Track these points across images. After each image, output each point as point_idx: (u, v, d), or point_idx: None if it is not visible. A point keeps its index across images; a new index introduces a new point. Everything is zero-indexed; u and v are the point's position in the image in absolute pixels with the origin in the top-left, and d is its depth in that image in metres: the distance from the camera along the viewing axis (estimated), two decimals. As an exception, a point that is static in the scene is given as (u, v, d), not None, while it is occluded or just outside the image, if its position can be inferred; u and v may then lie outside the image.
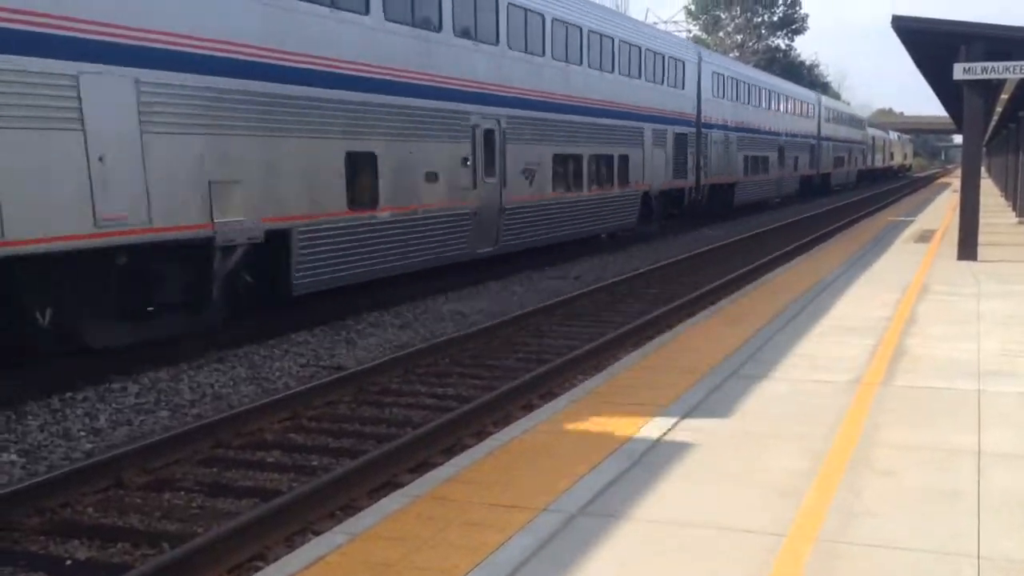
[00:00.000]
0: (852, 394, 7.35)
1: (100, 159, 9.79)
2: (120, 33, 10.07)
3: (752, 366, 8.37)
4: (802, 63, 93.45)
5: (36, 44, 9.21)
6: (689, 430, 6.42)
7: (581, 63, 22.05)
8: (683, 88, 30.28)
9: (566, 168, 21.64)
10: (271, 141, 12.32)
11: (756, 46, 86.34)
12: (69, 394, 9.78)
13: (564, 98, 21.08)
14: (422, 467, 7.37)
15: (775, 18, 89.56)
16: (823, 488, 5.27)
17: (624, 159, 24.88)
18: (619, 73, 24.51)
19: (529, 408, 8.85)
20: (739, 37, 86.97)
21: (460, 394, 10.01)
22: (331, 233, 13.47)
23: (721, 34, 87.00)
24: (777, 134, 42.68)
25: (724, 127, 34.65)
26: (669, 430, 6.42)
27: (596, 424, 6.62)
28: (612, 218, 24.66)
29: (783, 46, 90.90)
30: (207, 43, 11.22)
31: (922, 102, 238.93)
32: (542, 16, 19.70)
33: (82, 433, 8.73)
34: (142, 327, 11.27)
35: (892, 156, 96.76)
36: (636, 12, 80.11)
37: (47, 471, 7.51)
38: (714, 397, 7.31)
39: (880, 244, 19.79)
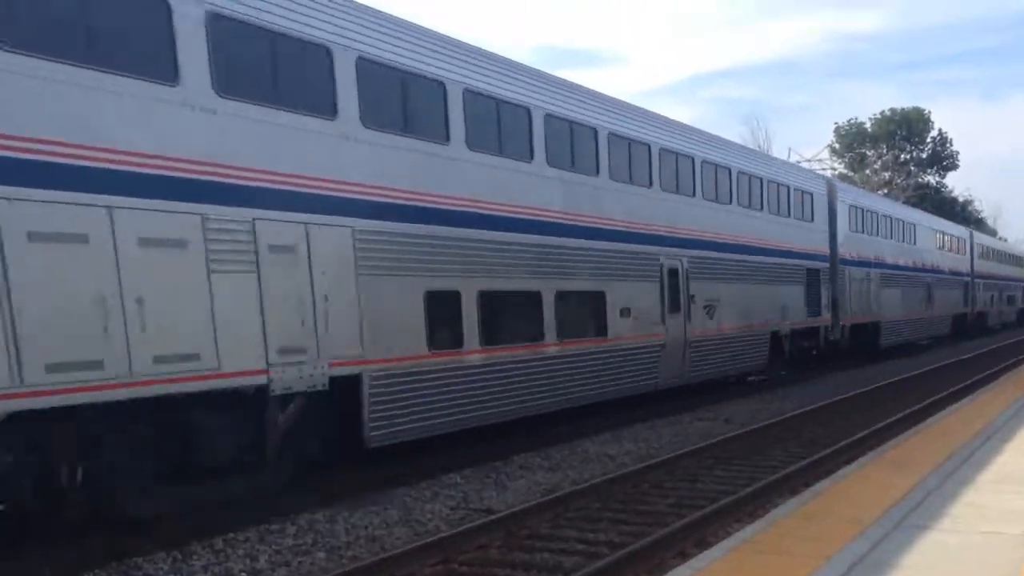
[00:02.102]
0: (1030, 549, 6.93)
1: None
2: None
3: (918, 516, 8.00)
4: (954, 199, 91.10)
5: None
6: (854, 584, 6.17)
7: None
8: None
9: None
10: None
11: (905, 183, 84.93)
12: (231, 534, 10.10)
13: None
14: (575, 616, 7.27)
15: (924, 155, 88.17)
16: (1005, 651, 4.97)
17: None
18: None
19: (683, 556, 8.65)
20: (887, 175, 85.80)
21: (611, 540, 9.87)
22: None
23: (868, 171, 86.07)
24: None
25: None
26: (833, 584, 6.18)
27: None
28: None
29: (933, 183, 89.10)
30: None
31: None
32: None
33: (243, 573, 8.98)
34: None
35: None
36: (779, 151, 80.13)
37: (211, 610, 7.74)
38: (880, 549, 7.00)
39: (1050, 386, 18.79)
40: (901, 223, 37.64)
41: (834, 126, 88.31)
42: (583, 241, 16.94)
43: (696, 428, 17.92)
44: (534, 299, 15.60)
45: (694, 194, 21.00)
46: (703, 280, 21.00)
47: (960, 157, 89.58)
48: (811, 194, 28.04)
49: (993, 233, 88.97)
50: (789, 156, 56.96)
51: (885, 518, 7.95)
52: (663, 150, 19.61)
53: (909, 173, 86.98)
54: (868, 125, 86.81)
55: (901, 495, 8.84)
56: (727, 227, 22.41)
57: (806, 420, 18.32)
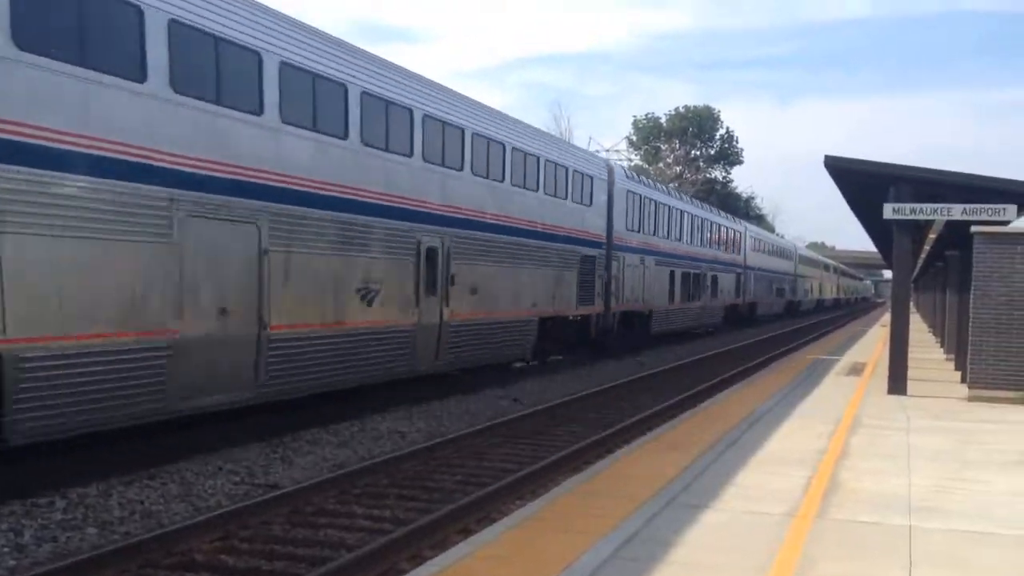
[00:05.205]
0: (787, 526, 7.42)
1: None
2: None
3: (690, 495, 8.43)
4: (739, 195, 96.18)
5: None
6: (628, 559, 6.43)
7: None
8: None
9: None
10: None
11: (695, 177, 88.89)
12: (-7, 508, 9.49)
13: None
14: (356, 592, 7.24)
15: (712, 151, 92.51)
16: (759, 622, 5.30)
17: None
18: None
19: (467, 532, 8.77)
20: (678, 168, 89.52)
21: (397, 516, 9.89)
22: None
23: (661, 164, 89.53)
24: None
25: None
26: (607, 559, 6.42)
27: (534, 551, 6.60)
28: None
29: (720, 178, 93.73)
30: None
31: (851, 237, 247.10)
32: None
33: (5, 549, 8.45)
34: None
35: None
36: (580, 139, 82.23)
37: (-35, 589, 7.25)
38: (653, 526, 7.34)
39: (813, 376, 20.16)
40: (678, 212, 37.63)
41: (632, 119, 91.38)
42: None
43: (486, 407, 18.18)
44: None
45: (462, 168, 18.99)
46: (466, 262, 19.11)
47: (745, 155, 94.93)
48: (591, 177, 26.76)
49: (772, 229, 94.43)
50: (589, 145, 58.30)
51: (659, 496, 8.33)
52: (426, 116, 17.45)
53: (699, 168, 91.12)
54: (663, 120, 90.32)
55: (674, 474, 9.28)
56: (497, 206, 20.58)
57: (589, 402, 18.90)
